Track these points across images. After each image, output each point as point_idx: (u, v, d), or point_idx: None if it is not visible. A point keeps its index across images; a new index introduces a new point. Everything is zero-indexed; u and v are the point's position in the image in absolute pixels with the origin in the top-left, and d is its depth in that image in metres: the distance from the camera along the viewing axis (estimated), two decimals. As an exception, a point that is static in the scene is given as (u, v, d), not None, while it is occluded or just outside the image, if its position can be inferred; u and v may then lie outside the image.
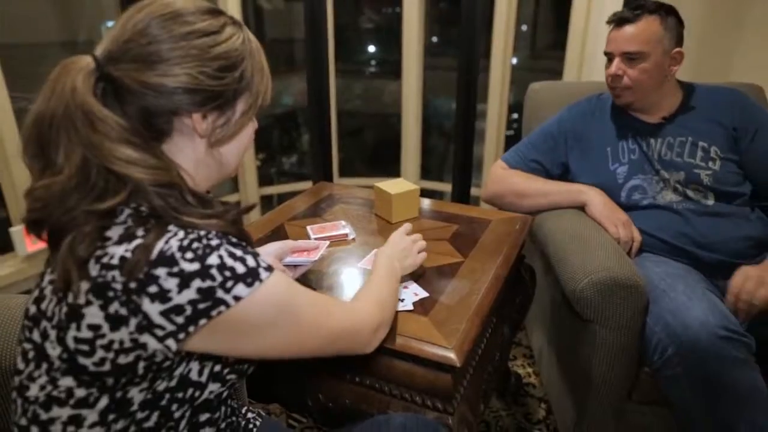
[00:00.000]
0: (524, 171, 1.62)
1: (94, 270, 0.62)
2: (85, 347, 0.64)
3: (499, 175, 1.63)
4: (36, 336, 0.68)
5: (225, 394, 0.80)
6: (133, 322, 0.62)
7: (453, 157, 2.26)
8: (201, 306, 0.63)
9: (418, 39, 2.97)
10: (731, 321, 1.12)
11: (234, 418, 0.89)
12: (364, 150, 4.03)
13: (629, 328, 1.23)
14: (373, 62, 3.90)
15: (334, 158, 3.48)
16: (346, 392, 1.09)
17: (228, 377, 0.77)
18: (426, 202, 1.56)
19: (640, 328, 1.24)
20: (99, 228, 0.64)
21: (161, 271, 0.61)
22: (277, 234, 1.37)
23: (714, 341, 1.07)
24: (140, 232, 0.64)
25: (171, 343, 0.63)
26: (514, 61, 2.88)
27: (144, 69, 0.66)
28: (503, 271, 1.22)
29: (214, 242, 0.65)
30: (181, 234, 0.64)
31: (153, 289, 0.61)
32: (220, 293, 0.63)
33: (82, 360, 0.64)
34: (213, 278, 0.63)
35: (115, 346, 0.63)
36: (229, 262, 0.65)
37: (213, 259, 0.63)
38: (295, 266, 1.13)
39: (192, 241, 0.64)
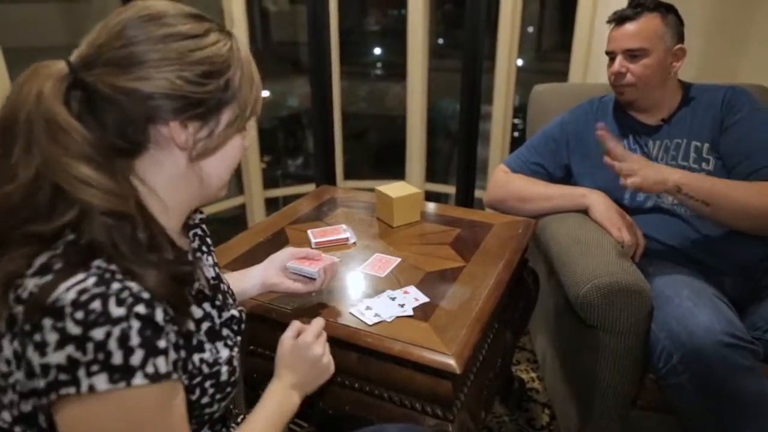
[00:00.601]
0: (526, 175, 1.59)
1: (11, 299, 0.57)
2: (2, 382, 0.59)
3: (501, 180, 1.61)
4: None
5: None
6: (23, 367, 0.56)
7: (457, 159, 2.24)
8: (61, 377, 0.54)
9: (423, 41, 2.95)
10: (737, 327, 1.09)
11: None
12: (369, 152, 4.02)
13: (633, 333, 1.21)
14: (378, 65, 3.88)
15: (338, 161, 3.47)
16: (346, 399, 1.07)
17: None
18: (428, 206, 1.55)
19: (645, 334, 1.21)
20: (33, 253, 0.58)
21: (47, 322, 0.53)
22: (278, 238, 1.35)
23: (719, 349, 1.05)
24: (58, 265, 0.57)
25: (45, 403, 0.56)
26: (520, 62, 2.86)
27: (118, 73, 0.61)
28: (505, 275, 1.20)
29: (117, 313, 0.54)
30: (90, 282, 0.55)
31: (37, 337, 0.54)
32: (81, 372, 0.54)
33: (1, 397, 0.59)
34: (85, 352, 0.53)
35: (18, 387, 0.58)
36: (113, 345, 0.54)
37: (98, 333, 0.53)
38: (303, 277, 1.05)
39: (94, 298, 0.54)
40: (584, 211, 1.47)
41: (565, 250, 1.32)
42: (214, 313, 0.79)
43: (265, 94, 3.78)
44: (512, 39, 2.71)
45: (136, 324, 0.56)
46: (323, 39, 1.87)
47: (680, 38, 1.41)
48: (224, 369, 0.76)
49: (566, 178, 1.59)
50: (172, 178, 0.69)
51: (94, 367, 0.54)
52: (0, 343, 0.58)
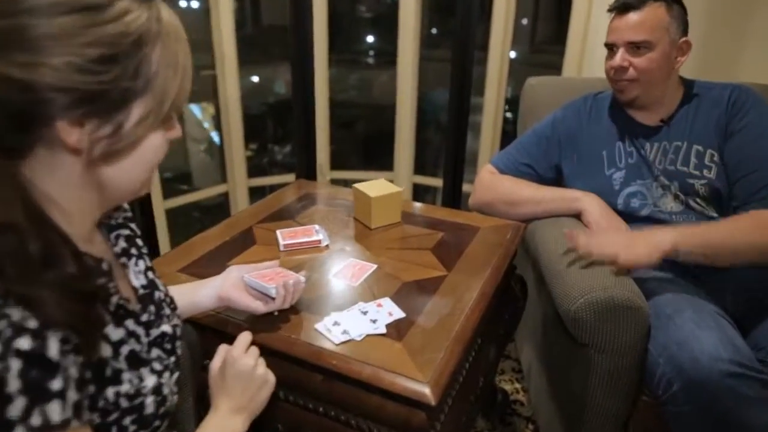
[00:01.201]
0: (515, 176, 1.46)
1: None
2: None
3: (488, 181, 1.47)
4: None
5: None
6: None
7: (445, 151, 2.10)
8: None
9: (414, 28, 2.80)
10: (744, 354, 0.97)
11: None
12: (357, 142, 3.86)
13: (629, 354, 1.09)
14: (371, 52, 3.72)
15: (323, 151, 3.32)
16: (309, 423, 0.94)
17: None
18: (410, 206, 1.40)
19: (641, 354, 1.09)
20: None
21: None
22: (245, 238, 1.21)
23: (725, 379, 0.92)
24: None
25: None
26: (513, 54, 2.71)
27: None
28: (490, 287, 1.07)
29: None
30: None
31: None
32: None
33: None
34: None
35: None
36: None
37: None
38: (260, 293, 0.93)
39: None
40: (577, 216, 1.34)
41: (556, 259, 1.19)
42: (140, 331, 0.66)
43: (254, 79, 3.63)
44: (506, 29, 2.57)
45: (16, 364, 0.44)
46: (305, 23, 1.72)
47: (685, 30, 1.27)
48: (149, 400, 0.63)
49: (557, 179, 1.45)
50: (68, 184, 0.55)
51: None
52: None
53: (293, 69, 1.78)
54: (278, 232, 1.20)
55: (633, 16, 1.24)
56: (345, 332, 0.92)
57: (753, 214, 1.15)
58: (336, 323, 0.94)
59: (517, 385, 1.62)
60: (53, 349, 0.46)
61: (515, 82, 2.77)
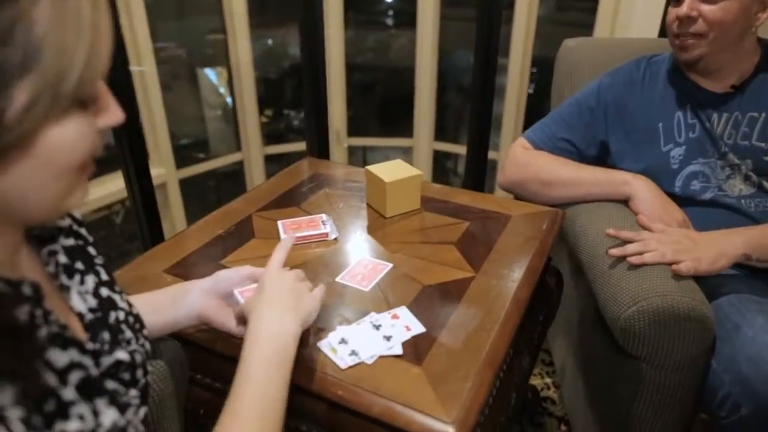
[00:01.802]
0: (552, 152, 1.25)
1: None
2: None
3: (521, 158, 1.26)
4: None
5: None
6: None
7: (469, 118, 1.88)
8: None
9: (435, -15, 2.55)
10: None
11: None
12: (376, 107, 3.63)
13: (687, 370, 0.91)
14: (390, 12, 3.46)
15: (339, 116, 3.12)
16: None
17: None
18: (430, 190, 1.21)
19: (703, 369, 0.91)
20: None
21: None
22: (243, 230, 1.04)
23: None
24: None
25: None
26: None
27: None
28: (526, 292, 0.89)
29: None
30: None
31: None
32: None
33: None
34: None
35: None
36: None
37: None
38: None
39: None
40: (624, 201, 1.14)
41: (600, 254, 1.00)
42: (87, 361, 0.50)
43: (269, 42, 3.40)
44: (536, -16, 2.31)
45: None
46: (315, -20, 1.51)
47: None
48: None
49: (601, 157, 1.24)
50: None
51: None
52: None
53: (301, 30, 1.57)
54: (280, 223, 1.03)
55: None
56: (353, 353, 0.75)
57: None
58: (343, 341, 0.77)
59: (548, 380, 1.45)
60: None
61: (539, 42, 2.52)
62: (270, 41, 3.47)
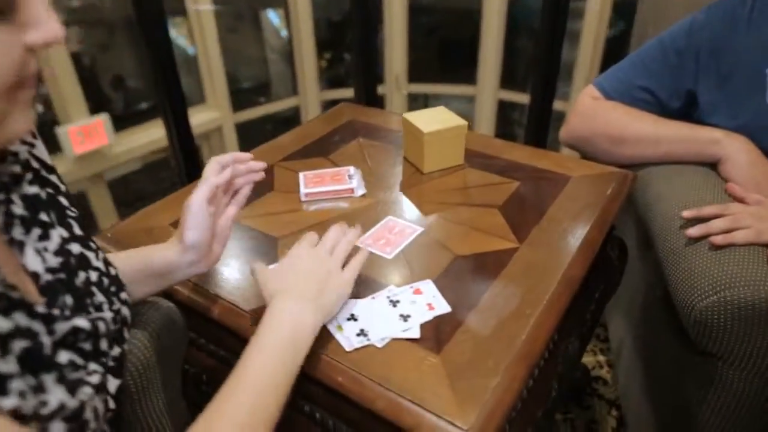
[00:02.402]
0: (626, 103, 1.03)
1: None
2: None
3: (588, 109, 1.05)
4: None
5: None
6: None
7: (534, 61, 1.67)
8: None
9: None
10: None
11: None
12: (440, 52, 3.39)
13: (777, 376, 0.73)
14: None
15: (400, 61, 2.93)
16: (302, 428, 0.68)
17: None
18: (477, 143, 1.03)
19: (796, 377, 0.73)
20: None
21: None
22: (262, 181, 0.91)
23: None
24: None
25: None
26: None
27: None
28: (580, 269, 0.73)
29: None
30: None
31: None
32: None
33: None
34: None
35: None
36: None
37: None
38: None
39: None
40: (712, 165, 0.93)
41: (676, 230, 0.81)
42: (38, 327, 0.42)
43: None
44: None
45: None
46: None
47: None
48: (58, 428, 0.41)
49: (686, 111, 1.02)
50: None
51: None
52: None
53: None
54: (301, 175, 0.90)
55: None
56: (362, 333, 0.63)
57: None
58: (352, 317, 0.65)
59: (601, 358, 1.29)
60: None
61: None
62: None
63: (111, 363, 0.50)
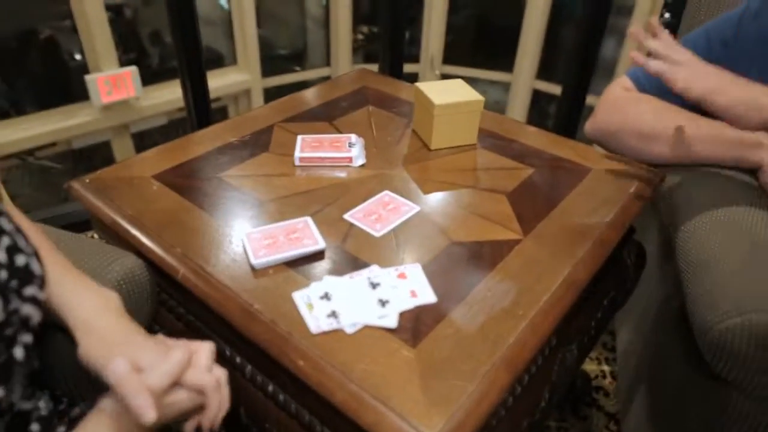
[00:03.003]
0: (660, 97, 0.91)
1: None
2: None
3: (618, 101, 0.94)
4: None
5: None
6: None
7: (573, 51, 1.55)
8: None
9: None
10: None
11: None
12: (477, 35, 3.25)
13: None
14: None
15: (436, 41, 2.82)
16: (271, 414, 0.62)
17: None
18: (493, 123, 0.93)
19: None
20: None
21: None
22: (257, 140, 0.85)
23: None
24: None
25: None
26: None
27: None
28: (586, 272, 0.64)
29: None
30: None
31: None
32: None
33: None
34: None
35: None
36: None
37: None
38: None
39: None
40: (752, 171, 0.82)
41: (704, 240, 0.71)
42: None
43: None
44: None
45: None
46: None
47: None
48: None
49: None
50: None
51: None
52: None
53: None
54: (299, 138, 0.83)
55: None
56: (333, 315, 0.56)
57: None
58: (325, 296, 0.58)
59: (605, 367, 1.19)
60: None
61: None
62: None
63: None
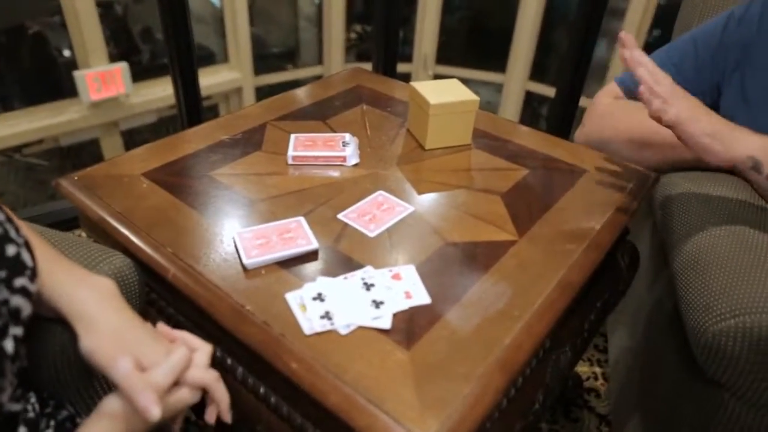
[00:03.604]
0: None
1: None
2: None
3: (606, 108, 0.94)
4: None
5: None
6: None
7: (567, 53, 1.55)
8: None
9: None
10: None
11: None
12: (470, 36, 3.26)
13: (792, 417, 0.63)
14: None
15: (429, 41, 2.82)
16: (262, 416, 0.61)
17: None
18: (487, 123, 0.93)
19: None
20: None
21: None
22: (249, 139, 0.84)
23: None
24: None
25: None
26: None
27: None
28: (581, 275, 0.64)
29: None
30: None
31: None
32: None
33: None
34: None
35: None
36: None
37: None
38: None
39: None
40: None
41: (698, 242, 0.72)
42: None
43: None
44: None
45: None
46: None
47: None
48: None
49: (713, 107, 0.91)
50: None
51: None
52: None
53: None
54: (293, 136, 0.82)
55: None
56: (327, 316, 0.55)
57: None
58: (319, 297, 0.57)
59: (597, 369, 1.19)
60: None
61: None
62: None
63: None
